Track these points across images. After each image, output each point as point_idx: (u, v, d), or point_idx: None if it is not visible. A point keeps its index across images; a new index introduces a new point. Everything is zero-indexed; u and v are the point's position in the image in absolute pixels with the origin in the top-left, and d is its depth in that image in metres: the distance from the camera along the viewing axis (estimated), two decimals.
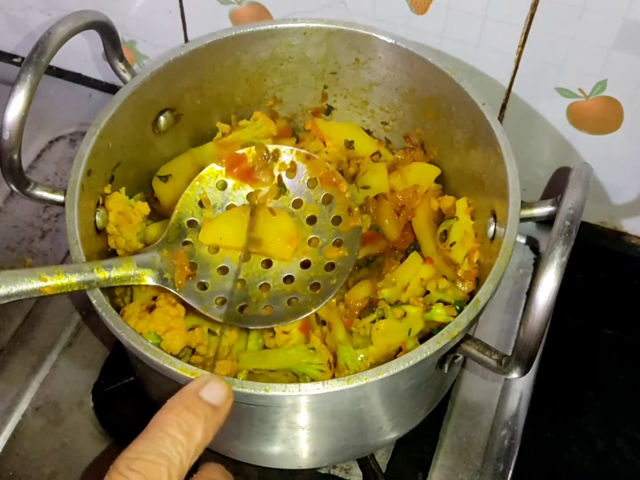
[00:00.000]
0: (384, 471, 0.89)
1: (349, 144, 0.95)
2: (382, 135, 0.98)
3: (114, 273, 0.72)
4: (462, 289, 0.84)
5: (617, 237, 1.07)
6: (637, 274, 1.05)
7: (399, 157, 0.95)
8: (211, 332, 0.80)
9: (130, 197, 0.85)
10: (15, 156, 0.72)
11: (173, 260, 0.77)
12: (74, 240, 0.73)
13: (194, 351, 0.79)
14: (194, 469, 0.60)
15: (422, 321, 0.80)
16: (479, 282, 0.83)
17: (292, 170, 0.84)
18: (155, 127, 0.89)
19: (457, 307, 0.81)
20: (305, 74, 0.93)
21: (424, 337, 0.78)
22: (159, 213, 0.90)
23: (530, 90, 0.93)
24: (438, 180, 0.92)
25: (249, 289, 0.80)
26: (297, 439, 0.78)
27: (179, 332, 0.77)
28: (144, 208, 0.85)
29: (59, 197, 0.76)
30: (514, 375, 0.65)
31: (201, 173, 0.83)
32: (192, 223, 0.82)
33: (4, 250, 1.05)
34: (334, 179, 0.83)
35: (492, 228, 0.80)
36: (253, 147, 0.83)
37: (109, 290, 0.81)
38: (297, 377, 0.79)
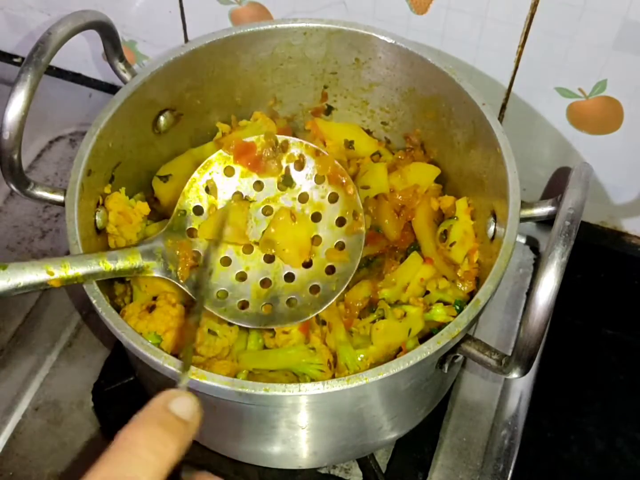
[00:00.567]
0: (384, 471, 0.89)
1: (349, 144, 0.95)
2: (382, 135, 0.98)
3: (119, 265, 0.72)
4: (462, 289, 0.84)
5: (617, 237, 1.07)
6: (637, 274, 1.05)
7: (399, 157, 0.95)
8: (211, 332, 0.80)
9: (130, 197, 0.85)
10: (15, 156, 0.72)
11: (177, 251, 0.77)
12: (74, 240, 0.73)
13: (194, 351, 0.79)
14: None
15: (422, 321, 0.80)
16: (479, 282, 0.83)
17: (300, 163, 0.84)
18: (155, 127, 0.89)
19: (457, 307, 0.81)
20: (305, 74, 0.93)
21: (424, 337, 0.78)
22: (159, 213, 0.90)
23: (530, 90, 0.93)
24: (438, 180, 0.92)
25: (249, 283, 0.80)
26: (297, 439, 0.78)
27: (179, 332, 0.77)
28: (144, 208, 0.85)
29: (59, 197, 0.76)
30: (514, 375, 0.65)
31: (209, 158, 0.82)
32: (197, 209, 0.82)
33: (4, 250, 1.05)
34: (342, 179, 0.83)
35: (492, 228, 0.80)
36: (262, 136, 0.83)
37: (109, 290, 0.81)
38: (297, 377, 0.79)
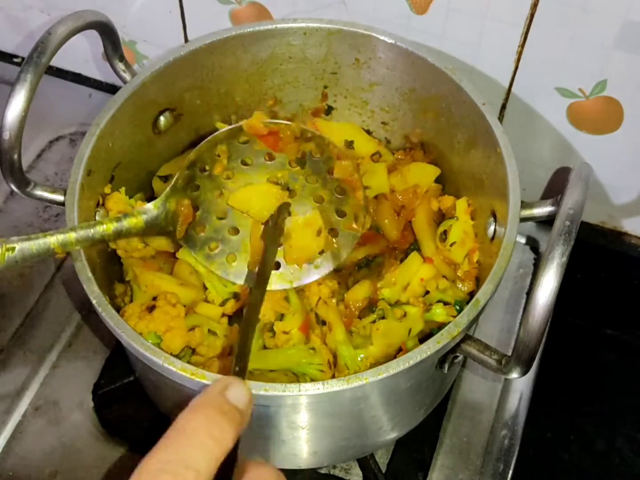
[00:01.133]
0: (384, 471, 0.89)
1: (349, 144, 0.95)
2: (382, 135, 0.98)
3: (126, 223, 0.74)
4: (462, 289, 0.84)
5: (617, 237, 1.07)
6: (637, 274, 1.05)
7: (399, 157, 0.95)
8: (211, 332, 0.80)
9: (130, 197, 0.85)
10: (15, 156, 0.72)
11: (179, 211, 0.80)
12: None
13: (194, 351, 0.79)
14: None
15: (422, 321, 0.80)
16: (479, 282, 0.83)
17: (318, 153, 0.85)
18: (155, 127, 0.89)
19: (457, 307, 0.81)
20: (305, 74, 0.93)
21: (424, 337, 0.78)
22: None
23: (530, 90, 0.93)
24: (438, 180, 0.92)
25: (241, 241, 0.82)
26: (297, 439, 0.78)
27: (179, 332, 0.77)
28: None
29: (59, 197, 0.76)
30: (514, 375, 0.65)
31: (230, 127, 0.83)
32: (204, 169, 0.83)
33: None
34: (354, 185, 0.84)
35: (492, 228, 0.80)
36: (293, 124, 0.84)
37: (109, 290, 0.81)
38: (297, 377, 0.79)
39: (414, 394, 0.80)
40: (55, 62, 0.98)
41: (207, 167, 0.83)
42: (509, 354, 0.65)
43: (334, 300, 0.82)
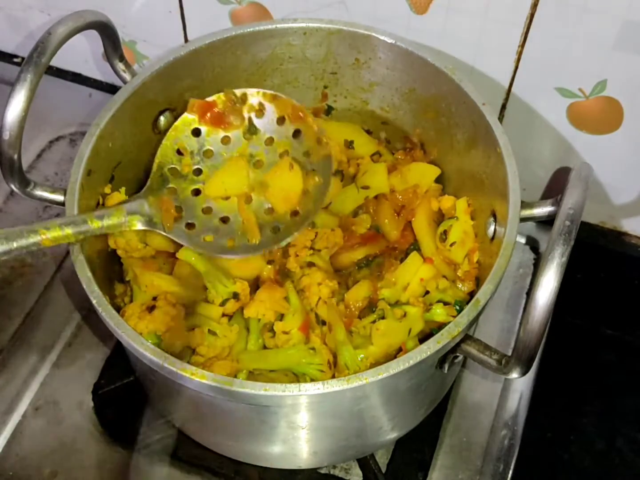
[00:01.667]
0: (384, 471, 0.89)
1: (349, 144, 0.95)
2: (382, 135, 0.98)
3: (106, 222, 0.76)
4: (462, 289, 0.84)
5: (617, 237, 1.07)
6: (637, 274, 1.05)
7: (399, 157, 0.95)
8: (211, 332, 0.80)
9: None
10: (15, 156, 0.72)
11: (159, 205, 0.81)
12: None
13: (194, 351, 0.79)
14: None
15: (422, 321, 0.80)
16: (479, 282, 0.83)
17: (260, 111, 0.86)
18: (155, 127, 0.89)
19: (457, 307, 0.81)
20: (305, 74, 0.93)
21: (424, 337, 0.78)
22: None
23: (530, 90, 0.93)
24: (438, 180, 0.92)
25: (234, 224, 0.83)
26: (297, 439, 0.78)
27: (179, 332, 0.77)
28: None
29: (59, 197, 0.76)
30: (514, 375, 0.65)
31: (175, 123, 0.85)
32: (173, 171, 0.84)
33: None
34: (301, 114, 0.85)
35: (492, 228, 0.80)
36: (222, 94, 0.85)
37: (109, 290, 0.81)
38: (297, 377, 0.79)
39: (414, 394, 0.80)
40: (55, 62, 0.98)
41: (176, 168, 0.84)
42: (509, 354, 0.65)
43: (334, 300, 0.82)
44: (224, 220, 0.83)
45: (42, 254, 1.05)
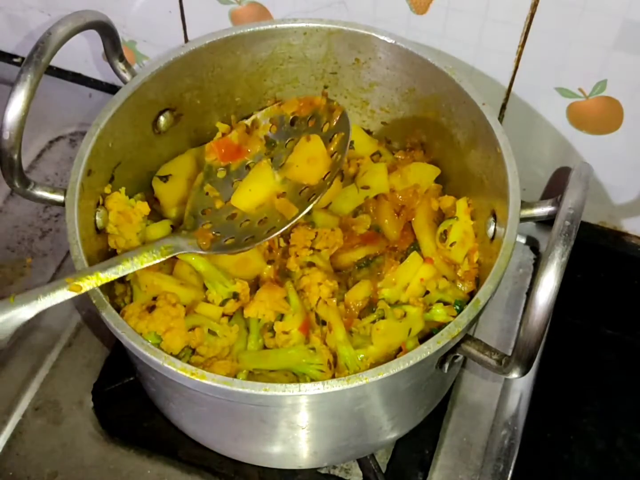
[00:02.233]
0: (384, 471, 0.89)
1: (349, 144, 0.95)
2: (382, 135, 0.98)
3: (138, 261, 0.75)
4: (462, 289, 0.84)
5: (617, 237, 1.07)
6: (637, 274, 1.05)
7: (399, 157, 0.95)
8: (211, 332, 0.80)
9: (130, 197, 0.85)
10: (15, 156, 0.72)
11: (195, 236, 0.81)
12: (74, 240, 0.73)
13: (194, 351, 0.79)
14: None
15: (422, 321, 0.80)
16: (479, 282, 0.83)
17: (273, 125, 0.87)
18: (155, 127, 0.89)
19: (457, 307, 0.81)
20: (305, 74, 0.93)
21: (424, 337, 0.78)
22: (159, 213, 0.90)
23: (530, 90, 0.93)
24: (438, 180, 0.92)
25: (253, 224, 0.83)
26: (297, 439, 0.78)
27: (179, 332, 0.77)
28: (144, 208, 0.85)
29: (59, 197, 0.76)
30: (514, 375, 0.65)
31: (198, 176, 0.85)
32: (205, 211, 0.84)
33: (4, 250, 1.05)
34: (306, 102, 0.86)
35: (492, 228, 0.80)
36: (235, 131, 0.86)
37: (109, 290, 0.81)
38: (297, 377, 0.79)
39: (414, 394, 0.80)
40: (55, 62, 0.98)
41: (206, 210, 0.84)
42: (509, 354, 0.65)
43: (334, 300, 0.82)
44: (248, 219, 0.84)
45: (42, 254, 1.05)
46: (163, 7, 1.04)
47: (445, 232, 0.86)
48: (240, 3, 0.98)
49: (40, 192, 0.77)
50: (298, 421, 0.74)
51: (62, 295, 0.68)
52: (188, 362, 0.67)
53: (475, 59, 0.92)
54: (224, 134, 0.94)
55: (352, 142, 0.95)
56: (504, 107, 0.96)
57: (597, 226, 1.07)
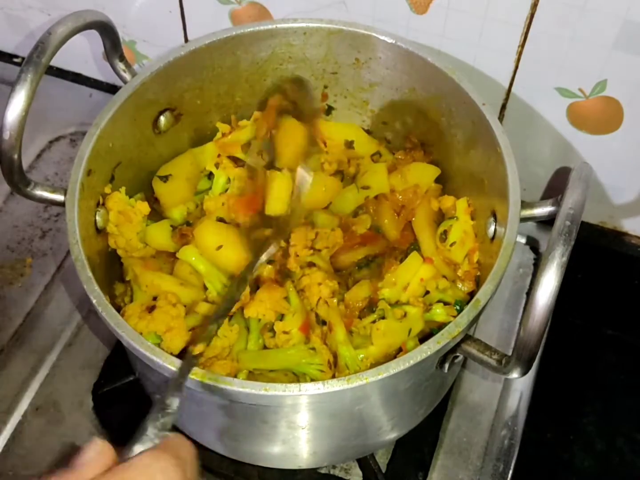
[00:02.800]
0: (384, 471, 0.89)
1: (349, 144, 0.95)
2: (382, 135, 0.98)
3: None
4: (462, 289, 0.84)
5: (617, 237, 1.07)
6: (637, 274, 1.05)
7: (399, 157, 0.95)
8: None
9: (130, 197, 0.85)
10: (15, 156, 0.72)
11: None
12: (74, 240, 0.73)
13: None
14: None
15: (422, 321, 0.80)
16: (479, 282, 0.83)
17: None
18: (155, 127, 0.89)
19: (457, 307, 0.81)
20: (305, 74, 0.93)
21: (424, 337, 0.78)
22: (159, 213, 0.90)
23: (530, 90, 0.93)
24: (438, 180, 0.92)
25: None
26: (297, 439, 0.78)
27: (179, 332, 0.77)
28: (144, 208, 0.85)
29: (59, 197, 0.76)
30: (514, 375, 0.65)
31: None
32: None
33: (4, 250, 1.05)
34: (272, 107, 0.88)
35: (492, 228, 0.80)
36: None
37: (109, 290, 0.81)
38: (297, 377, 0.79)
39: (414, 394, 0.80)
40: (55, 62, 0.98)
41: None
42: (509, 354, 0.65)
43: (334, 300, 0.82)
44: None
45: (42, 254, 1.05)
46: (163, 7, 1.04)
47: (445, 232, 0.86)
48: (240, 3, 0.98)
49: (40, 192, 0.77)
50: (298, 421, 0.74)
51: None
52: None
53: (475, 59, 0.92)
54: (224, 134, 0.94)
55: (352, 142, 0.95)
56: (504, 107, 0.96)
57: (597, 226, 1.07)
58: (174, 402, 0.59)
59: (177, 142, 0.92)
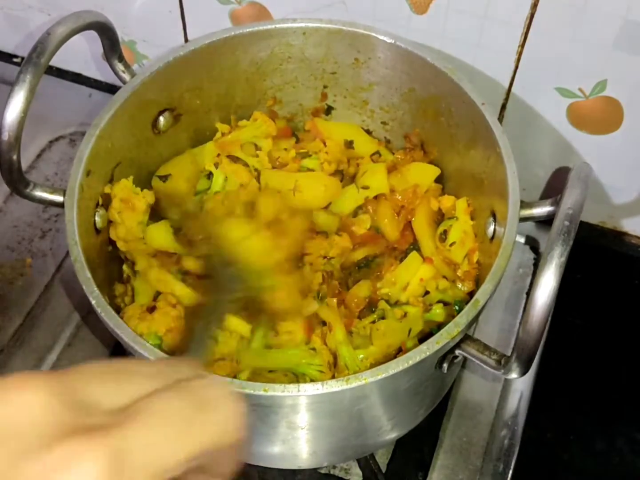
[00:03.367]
0: (384, 471, 0.89)
1: (349, 144, 0.95)
2: (382, 135, 0.98)
3: None
4: (462, 289, 0.84)
5: (617, 237, 1.07)
6: (637, 274, 1.05)
7: (399, 157, 0.95)
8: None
9: None
10: (15, 157, 0.72)
11: None
12: (73, 241, 0.73)
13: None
14: None
15: (422, 321, 0.80)
16: (478, 282, 0.83)
17: None
18: (155, 127, 0.89)
19: (457, 307, 0.81)
20: (305, 74, 0.93)
21: (423, 337, 0.78)
22: (158, 213, 0.89)
23: (530, 90, 0.93)
24: (438, 180, 0.92)
25: None
26: (297, 439, 0.78)
27: (179, 333, 0.77)
28: (149, 196, 0.85)
29: (58, 198, 0.76)
30: (514, 375, 0.65)
31: None
32: None
33: (4, 250, 1.05)
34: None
35: (491, 228, 0.80)
36: None
37: (109, 291, 0.81)
38: (296, 377, 0.79)
39: (413, 394, 0.80)
40: (55, 62, 0.98)
41: None
42: (509, 354, 0.65)
43: (334, 300, 0.82)
44: None
45: (42, 254, 1.05)
46: (163, 7, 1.04)
47: (445, 232, 0.86)
48: (240, 3, 0.98)
49: (39, 193, 0.77)
50: (298, 421, 0.74)
51: None
52: None
53: (475, 59, 0.92)
54: (223, 134, 0.94)
55: (352, 142, 0.95)
56: (504, 107, 0.96)
57: (597, 226, 1.07)
58: None
59: (177, 142, 0.92)
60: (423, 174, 0.91)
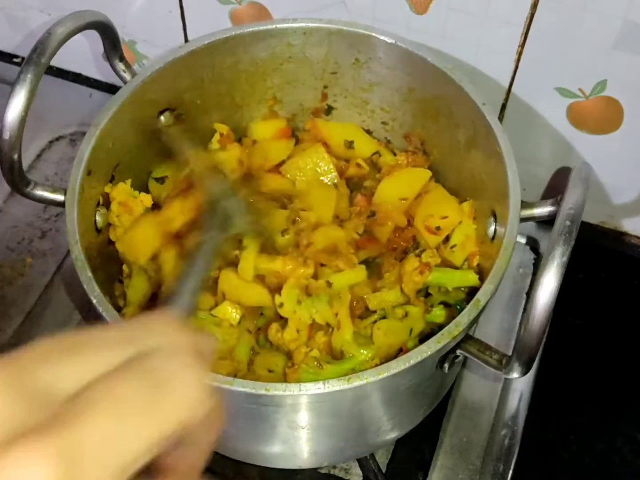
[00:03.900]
0: (384, 471, 0.89)
1: (349, 144, 0.95)
2: (383, 135, 0.98)
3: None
4: (463, 289, 0.84)
5: (617, 237, 1.07)
6: (637, 274, 1.05)
7: (400, 159, 0.94)
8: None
9: None
10: (15, 156, 0.72)
11: None
12: (74, 240, 0.73)
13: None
14: None
15: (423, 321, 0.80)
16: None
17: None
18: (156, 127, 0.89)
19: (458, 307, 0.81)
20: (305, 74, 0.93)
21: (424, 337, 0.78)
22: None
23: (530, 90, 0.93)
24: (438, 180, 0.92)
25: None
26: (297, 438, 0.78)
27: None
28: (146, 199, 0.85)
29: (59, 197, 0.76)
30: (514, 375, 0.65)
31: None
32: None
33: (4, 250, 1.05)
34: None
35: (492, 228, 0.80)
36: None
37: (109, 291, 0.81)
38: (292, 365, 0.78)
39: (414, 394, 0.80)
40: (55, 62, 0.98)
41: None
42: (509, 354, 0.65)
43: (348, 296, 0.81)
44: None
45: (42, 254, 1.05)
46: (163, 7, 1.04)
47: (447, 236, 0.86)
48: (240, 3, 0.98)
49: (40, 192, 0.77)
50: (298, 421, 0.74)
51: None
52: None
53: (475, 59, 0.92)
54: (222, 135, 0.94)
55: (352, 142, 0.95)
56: (504, 107, 0.96)
57: (597, 226, 1.07)
58: None
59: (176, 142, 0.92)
60: (413, 179, 0.90)
